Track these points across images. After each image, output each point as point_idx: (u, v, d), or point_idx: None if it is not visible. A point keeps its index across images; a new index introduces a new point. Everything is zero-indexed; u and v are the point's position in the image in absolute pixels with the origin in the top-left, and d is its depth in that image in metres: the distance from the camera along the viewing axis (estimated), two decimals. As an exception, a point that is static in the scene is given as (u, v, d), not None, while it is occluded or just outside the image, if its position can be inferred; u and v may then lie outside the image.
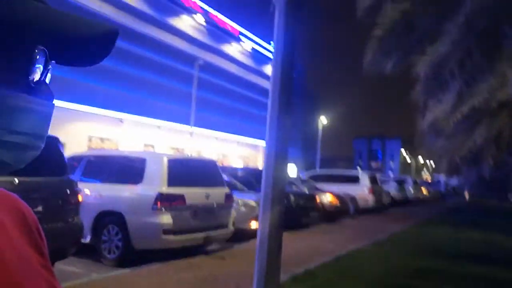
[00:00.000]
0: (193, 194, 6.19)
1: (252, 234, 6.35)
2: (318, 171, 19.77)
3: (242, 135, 31.68)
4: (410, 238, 10.73)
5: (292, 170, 29.43)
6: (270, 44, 34.23)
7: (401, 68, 10.37)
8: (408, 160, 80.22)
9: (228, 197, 6.90)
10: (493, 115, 13.74)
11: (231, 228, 6.90)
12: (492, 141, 14.30)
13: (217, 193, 6.61)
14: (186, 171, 6.54)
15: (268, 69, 32.55)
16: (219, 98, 28.98)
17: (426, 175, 74.70)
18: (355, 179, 16.40)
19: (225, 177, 7.61)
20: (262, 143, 46.17)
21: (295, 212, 10.20)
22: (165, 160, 6.30)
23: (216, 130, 28.59)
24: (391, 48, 9.84)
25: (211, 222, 6.29)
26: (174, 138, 25.07)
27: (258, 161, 32.20)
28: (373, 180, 16.89)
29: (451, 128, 13.95)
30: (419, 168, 79.13)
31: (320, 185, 14.21)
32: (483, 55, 9.41)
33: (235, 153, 31.59)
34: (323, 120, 38.58)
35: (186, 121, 24.18)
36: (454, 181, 41.86)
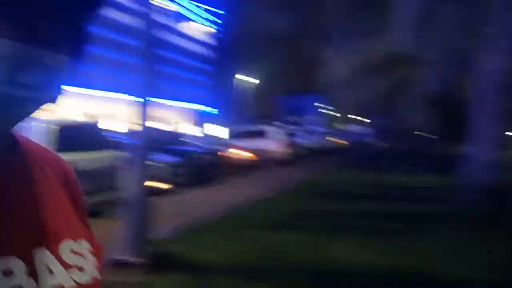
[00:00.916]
0: (82, 159, 6.18)
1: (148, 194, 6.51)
2: (234, 128, 20.21)
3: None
4: (316, 184, 11.59)
5: (222, 131, 29.54)
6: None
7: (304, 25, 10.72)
8: (328, 113, 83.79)
9: (118, 160, 6.95)
10: (392, 67, 14.94)
11: (121, 190, 7.00)
12: (391, 92, 15.62)
13: (107, 156, 6.69)
14: (75, 136, 6.48)
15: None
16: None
17: (341, 126, 78.99)
18: (268, 134, 17.08)
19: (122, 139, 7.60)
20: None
21: (202, 169, 10.55)
22: (52, 127, 6.17)
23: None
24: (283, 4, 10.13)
25: (102, 185, 6.36)
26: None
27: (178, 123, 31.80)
28: (287, 133, 17.70)
29: (355, 81, 14.99)
30: (336, 120, 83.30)
31: (236, 141, 14.63)
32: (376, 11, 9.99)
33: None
34: (248, 79, 38.67)
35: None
36: (367, 130, 44.83)
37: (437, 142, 18.21)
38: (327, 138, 27.46)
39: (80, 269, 0.50)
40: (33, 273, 0.44)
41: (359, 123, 51.09)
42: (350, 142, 35.90)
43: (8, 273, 0.42)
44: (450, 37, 7.11)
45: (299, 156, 19.85)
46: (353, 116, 40.27)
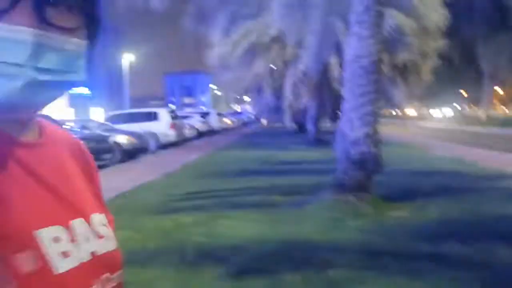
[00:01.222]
0: None
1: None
2: (118, 112, 19.31)
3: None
4: (201, 164, 11.72)
5: (99, 114, 27.81)
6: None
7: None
8: (219, 94, 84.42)
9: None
10: (267, 48, 15.62)
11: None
12: (268, 72, 16.32)
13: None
14: None
15: None
16: None
17: (235, 106, 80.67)
18: (155, 116, 16.66)
19: None
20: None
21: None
22: None
23: None
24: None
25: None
26: None
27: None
28: (173, 116, 17.43)
29: (235, 61, 15.35)
30: (229, 100, 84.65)
31: (120, 125, 13.95)
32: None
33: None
34: (130, 57, 36.83)
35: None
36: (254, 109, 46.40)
37: (322, 119, 19.70)
38: (217, 118, 27.79)
39: (107, 238, 0.57)
40: (74, 240, 0.51)
41: (247, 103, 52.42)
42: (237, 121, 36.88)
43: (57, 239, 0.49)
44: (322, 21, 7.67)
45: (189, 138, 19.81)
46: (241, 97, 41.24)
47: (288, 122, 19.19)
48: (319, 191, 6.39)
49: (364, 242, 4.51)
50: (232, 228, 5.11)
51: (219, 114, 29.39)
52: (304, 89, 14.21)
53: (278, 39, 13.04)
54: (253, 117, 51.40)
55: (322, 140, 16.36)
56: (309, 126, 17.12)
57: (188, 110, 36.28)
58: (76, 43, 0.49)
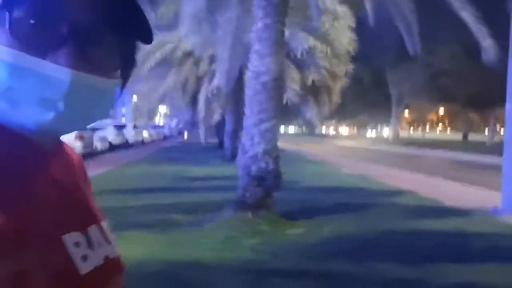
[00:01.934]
0: None
1: None
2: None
3: None
4: (107, 179, 10.96)
5: None
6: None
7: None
8: (138, 105, 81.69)
9: None
10: (181, 62, 15.40)
11: None
12: (182, 85, 16.05)
13: None
14: None
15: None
16: None
17: (158, 119, 78.66)
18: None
19: None
20: None
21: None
22: None
23: None
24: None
25: None
26: None
27: None
28: (89, 128, 16.34)
29: (147, 73, 14.90)
30: (151, 113, 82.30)
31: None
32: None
33: None
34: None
35: None
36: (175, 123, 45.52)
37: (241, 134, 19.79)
38: (134, 131, 26.68)
39: (113, 243, 0.62)
40: (90, 245, 0.55)
41: (169, 116, 51.46)
42: (157, 135, 35.83)
43: (77, 244, 0.53)
44: (233, 36, 7.61)
45: (100, 151, 18.70)
46: (157, 109, 40.23)
47: (203, 137, 18.91)
48: (222, 209, 6.21)
49: (255, 262, 4.38)
50: (120, 251, 4.69)
51: (136, 127, 28.24)
52: (216, 104, 14.12)
53: (191, 53, 12.87)
54: (174, 130, 50.41)
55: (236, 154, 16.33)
56: (226, 141, 17.03)
57: (105, 121, 34.47)
58: (110, 83, 0.54)
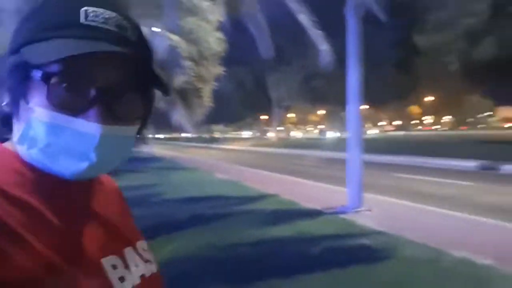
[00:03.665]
0: None
1: None
2: None
3: None
4: None
5: None
6: None
7: None
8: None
9: None
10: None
11: None
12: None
13: None
14: None
15: None
16: None
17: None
18: None
19: None
20: None
21: None
22: None
23: None
24: None
25: None
26: None
27: None
28: None
29: None
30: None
31: None
32: None
33: None
34: None
35: None
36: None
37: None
38: None
39: (150, 262, 0.70)
40: (127, 266, 0.63)
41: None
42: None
43: (114, 266, 0.61)
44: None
45: None
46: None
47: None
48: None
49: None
50: None
51: None
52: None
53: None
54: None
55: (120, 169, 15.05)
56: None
57: None
58: (133, 129, 0.62)
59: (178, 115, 13.85)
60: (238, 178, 12.61)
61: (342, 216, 6.87)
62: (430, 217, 6.84)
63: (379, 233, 5.67)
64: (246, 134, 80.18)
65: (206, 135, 61.26)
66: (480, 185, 10.65)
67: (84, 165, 0.57)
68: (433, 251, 4.81)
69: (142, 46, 0.62)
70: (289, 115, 74.90)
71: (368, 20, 6.95)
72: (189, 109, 14.35)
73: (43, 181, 0.59)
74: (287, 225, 6.20)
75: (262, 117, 60.73)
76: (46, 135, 0.56)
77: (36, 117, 0.57)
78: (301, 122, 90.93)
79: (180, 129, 17.02)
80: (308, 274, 4.10)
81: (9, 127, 0.62)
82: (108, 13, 0.59)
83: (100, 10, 0.59)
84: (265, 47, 7.84)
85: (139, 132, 0.64)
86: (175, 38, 11.78)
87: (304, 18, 6.41)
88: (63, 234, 0.57)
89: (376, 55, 26.79)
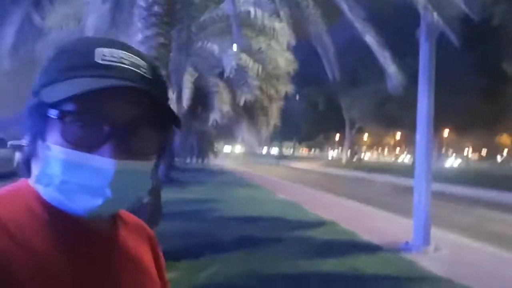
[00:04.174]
0: None
1: None
2: None
3: None
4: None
5: None
6: None
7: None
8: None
9: None
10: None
11: None
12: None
13: None
14: None
15: None
16: None
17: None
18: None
19: None
20: None
21: None
22: None
23: None
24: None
25: None
26: None
27: None
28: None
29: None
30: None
31: None
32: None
33: None
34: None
35: None
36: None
37: (184, 154, 18.84)
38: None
39: None
40: None
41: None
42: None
43: None
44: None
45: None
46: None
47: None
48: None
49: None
50: None
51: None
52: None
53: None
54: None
55: (174, 179, 15.45)
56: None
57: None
58: (149, 164, 0.62)
59: (245, 132, 13.88)
60: (299, 200, 12.19)
61: (403, 254, 6.20)
62: (507, 267, 5.93)
63: (444, 281, 4.97)
64: (317, 153, 79.14)
65: (274, 153, 61.35)
66: None
67: (99, 201, 0.58)
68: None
69: (157, 83, 0.63)
70: (364, 138, 72.63)
71: (452, 45, 6.35)
72: (254, 126, 14.34)
73: (59, 221, 0.61)
74: (339, 259, 5.70)
75: (335, 137, 59.57)
76: (62, 172, 0.57)
77: (52, 154, 0.58)
78: (376, 144, 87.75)
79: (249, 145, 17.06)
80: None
81: (30, 169, 0.64)
82: (123, 53, 0.61)
83: (116, 50, 0.61)
84: (332, 68, 7.50)
85: (155, 166, 0.65)
86: (243, 56, 11.87)
87: (371, 39, 6.00)
88: (71, 278, 0.58)
89: (460, 80, 25.01)
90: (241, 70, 11.83)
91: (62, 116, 0.57)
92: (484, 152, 76.67)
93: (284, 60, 13.23)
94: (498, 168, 40.84)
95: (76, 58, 0.60)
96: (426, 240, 6.64)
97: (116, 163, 0.57)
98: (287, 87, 14.44)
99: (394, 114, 26.31)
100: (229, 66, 11.14)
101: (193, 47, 9.90)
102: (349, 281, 4.78)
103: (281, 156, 54.82)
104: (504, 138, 72.42)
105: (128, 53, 0.61)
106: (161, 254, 0.79)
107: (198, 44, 11.35)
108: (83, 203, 0.58)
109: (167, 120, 0.63)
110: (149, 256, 0.74)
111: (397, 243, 6.84)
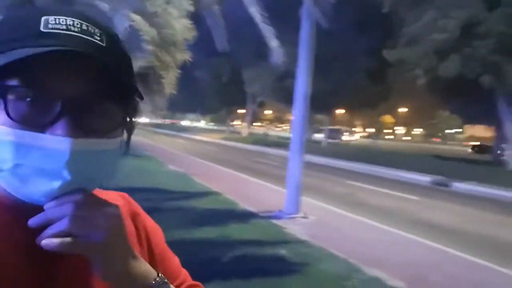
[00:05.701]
0: None
1: None
2: None
3: None
4: None
5: None
6: None
7: None
8: None
9: None
10: None
11: None
12: None
13: None
14: None
15: None
16: None
17: None
18: None
19: None
20: None
21: None
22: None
23: None
24: None
25: None
26: None
27: None
28: None
29: None
30: None
31: None
32: None
33: None
34: None
35: None
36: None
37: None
38: None
39: None
40: None
41: None
42: None
43: None
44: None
45: None
46: None
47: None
48: None
49: None
50: None
51: None
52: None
53: None
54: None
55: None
56: None
57: None
58: (111, 142, 0.56)
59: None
60: (191, 171, 12.30)
61: (274, 221, 6.67)
62: (363, 231, 6.73)
63: (303, 242, 5.49)
64: (219, 126, 79.74)
65: (166, 122, 60.16)
66: (426, 200, 10.70)
67: (56, 184, 0.52)
68: (349, 268, 4.67)
69: (114, 52, 0.57)
70: (266, 112, 74.74)
71: (345, 27, 6.77)
72: (149, 95, 13.90)
73: (15, 210, 0.56)
74: (215, 227, 5.95)
75: (239, 111, 60.42)
76: (13, 155, 0.52)
77: (0, 137, 0.52)
78: (278, 120, 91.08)
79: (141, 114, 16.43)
80: (207, 282, 3.86)
81: None
82: (72, 20, 0.55)
83: (64, 17, 0.55)
84: (221, 41, 7.55)
85: (126, 143, 0.61)
86: (137, 18, 11.32)
87: (255, 12, 6.15)
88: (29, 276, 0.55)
89: (353, 63, 26.87)
90: (134, 33, 11.29)
91: (4, 92, 0.52)
92: (371, 130, 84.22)
93: (181, 27, 12.91)
94: (376, 145, 45.20)
95: (19, 28, 0.54)
96: (297, 208, 7.20)
97: (71, 142, 0.51)
98: (185, 55, 14.14)
99: (292, 90, 27.43)
100: (121, 27, 10.56)
101: (77, 2, 9.16)
102: (217, 246, 5.04)
103: (181, 128, 54.11)
104: (387, 118, 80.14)
105: (79, 20, 0.55)
106: (152, 228, 0.74)
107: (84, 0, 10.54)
108: (39, 188, 0.52)
109: (126, 92, 0.57)
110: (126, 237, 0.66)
111: (272, 212, 7.33)
